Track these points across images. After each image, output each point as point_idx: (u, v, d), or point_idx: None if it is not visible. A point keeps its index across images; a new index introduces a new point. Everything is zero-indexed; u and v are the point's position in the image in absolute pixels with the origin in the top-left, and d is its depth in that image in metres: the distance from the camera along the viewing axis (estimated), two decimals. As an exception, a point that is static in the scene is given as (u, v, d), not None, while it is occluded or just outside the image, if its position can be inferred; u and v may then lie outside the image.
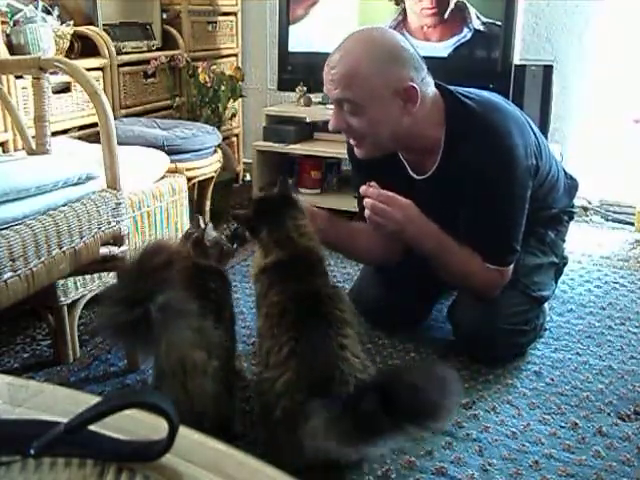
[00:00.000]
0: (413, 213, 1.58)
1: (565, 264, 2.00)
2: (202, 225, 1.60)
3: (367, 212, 1.58)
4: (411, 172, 1.70)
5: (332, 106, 1.61)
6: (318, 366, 1.10)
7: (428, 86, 1.56)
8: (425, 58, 1.59)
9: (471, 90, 1.65)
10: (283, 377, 1.11)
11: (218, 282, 1.47)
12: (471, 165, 1.55)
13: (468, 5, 2.72)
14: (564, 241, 1.95)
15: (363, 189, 1.59)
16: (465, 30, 2.76)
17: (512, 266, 1.67)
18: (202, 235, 1.53)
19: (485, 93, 1.67)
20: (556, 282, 1.96)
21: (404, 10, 2.85)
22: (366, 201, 1.58)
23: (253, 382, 1.44)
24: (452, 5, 2.74)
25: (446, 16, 2.76)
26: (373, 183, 1.60)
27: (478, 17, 2.72)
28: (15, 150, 2.11)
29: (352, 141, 1.61)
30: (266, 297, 1.30)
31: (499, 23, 2.69)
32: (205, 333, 1.28)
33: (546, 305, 1.91)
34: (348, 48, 1.52)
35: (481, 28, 2.72)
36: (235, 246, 2.63)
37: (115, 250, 1.71)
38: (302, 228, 1.35)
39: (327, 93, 1.56)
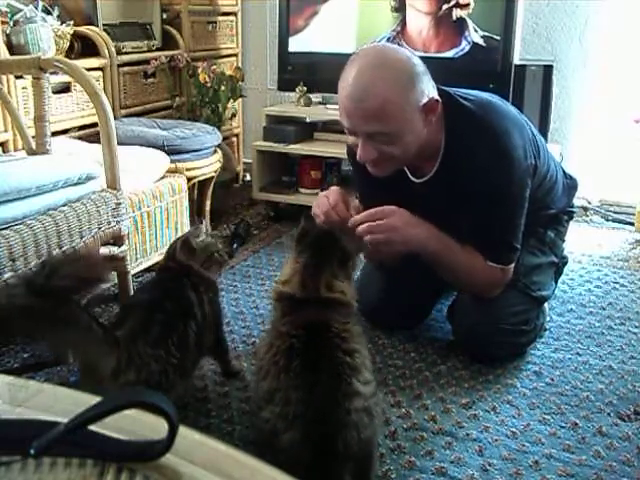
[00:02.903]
0: (404, 214, 1.57)
1: (565, 264, 2.00)
2: (204, 229, 1.57)
3: (366, 238, 1.52)
4: (410, 175, 1.69)
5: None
6: (324, 436, 1.10)
7: (435, 92, 1.56)
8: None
9: (469, 91, 1.65)
10: (288, 434, 1.10)
11: (187, 292, 1.42)
12: (470, 166, 1.55)
13: (467, 19, 2.73)
14: (564, 241, 1.95)
15: (351, 222, 1.55)
16: (463, 43, 2.76)
17: (513, 264, 1.67)
18: (191, 237, 1.50)
19: (483, 94, 1.66)
20: (556, 282, 1.96)
21: (402, 20, 2.85)
22: (359, 230, 1.52)
23: (253, 404, 1.41)
24: (453, 17, 2.74)
25: (441, 14, 2.76)
26: (352, 212, 1.57)
27: (476, 30, 2.72)
28: (15, 150, 2.12)
29: (371, 163, 1.57)
30: (275, 327, 1.28)
31: (497, 37, 2.70)
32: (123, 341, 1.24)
33: (546, 305, 1.92)
34: (370, 79, 1.46)
35: (479, 41, 2.73)
36: (235, 246, 2.59)
37: (115, 250, 1.71)
38: (336, 285, 1.29)
39: (352, 127, 1.52)
